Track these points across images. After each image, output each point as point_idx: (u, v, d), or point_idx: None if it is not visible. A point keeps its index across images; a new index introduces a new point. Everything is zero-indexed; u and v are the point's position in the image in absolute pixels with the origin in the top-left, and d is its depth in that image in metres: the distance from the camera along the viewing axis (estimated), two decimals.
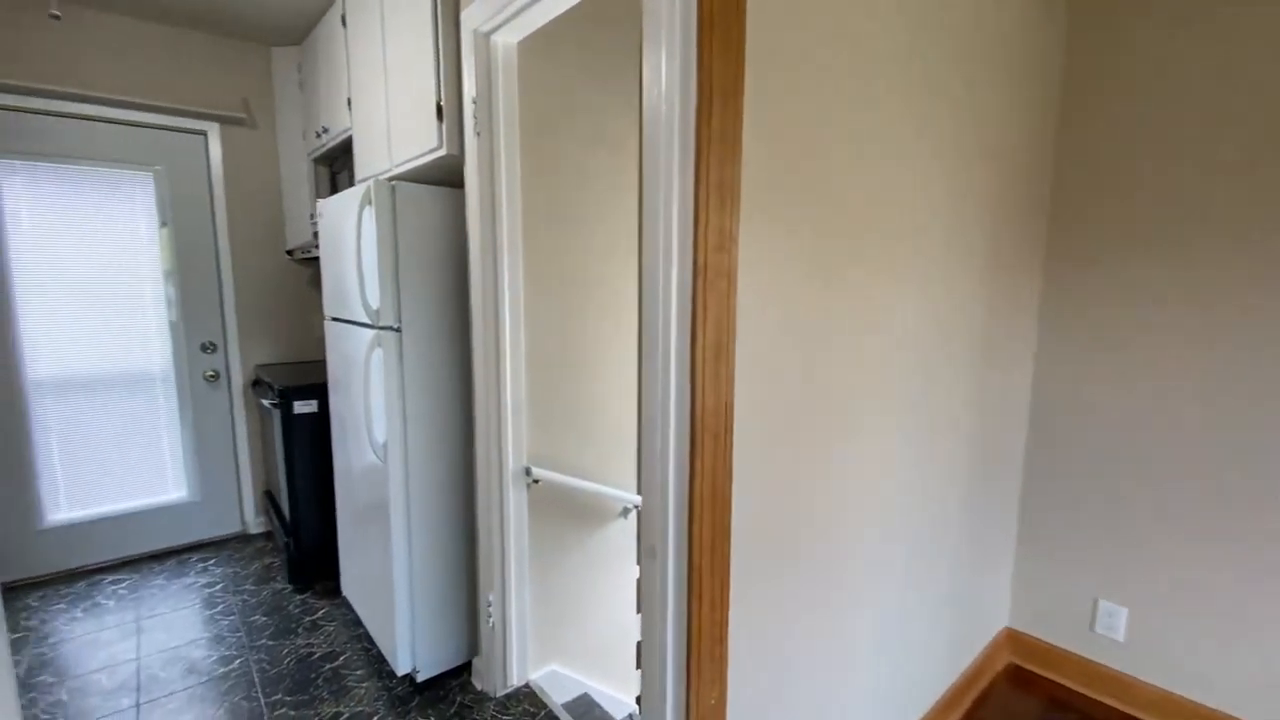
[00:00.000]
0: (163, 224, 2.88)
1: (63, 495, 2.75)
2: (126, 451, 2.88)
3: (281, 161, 3.14)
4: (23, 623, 2.35)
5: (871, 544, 1.40)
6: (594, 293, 2.00)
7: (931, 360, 1.50)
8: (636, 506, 2.23)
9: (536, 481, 1.94)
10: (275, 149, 3.13)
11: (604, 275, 2.02)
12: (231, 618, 2.41)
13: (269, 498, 3.18)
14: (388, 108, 2.09)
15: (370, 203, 1.76)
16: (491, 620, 1.94)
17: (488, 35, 1.67)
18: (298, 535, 2.65)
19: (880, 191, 1.23)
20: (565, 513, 2.05)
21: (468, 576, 2.08)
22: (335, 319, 2.23)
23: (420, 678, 2.00)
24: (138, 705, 1.90)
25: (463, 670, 2.09)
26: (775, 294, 1.04)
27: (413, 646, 1.99)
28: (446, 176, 2.03)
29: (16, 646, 2.19)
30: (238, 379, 3.13)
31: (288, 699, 1.95)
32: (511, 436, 1.85)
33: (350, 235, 1.90)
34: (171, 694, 1.96)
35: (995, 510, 1.97)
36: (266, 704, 1.92)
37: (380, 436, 1.89)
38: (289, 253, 3.17)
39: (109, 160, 2.73)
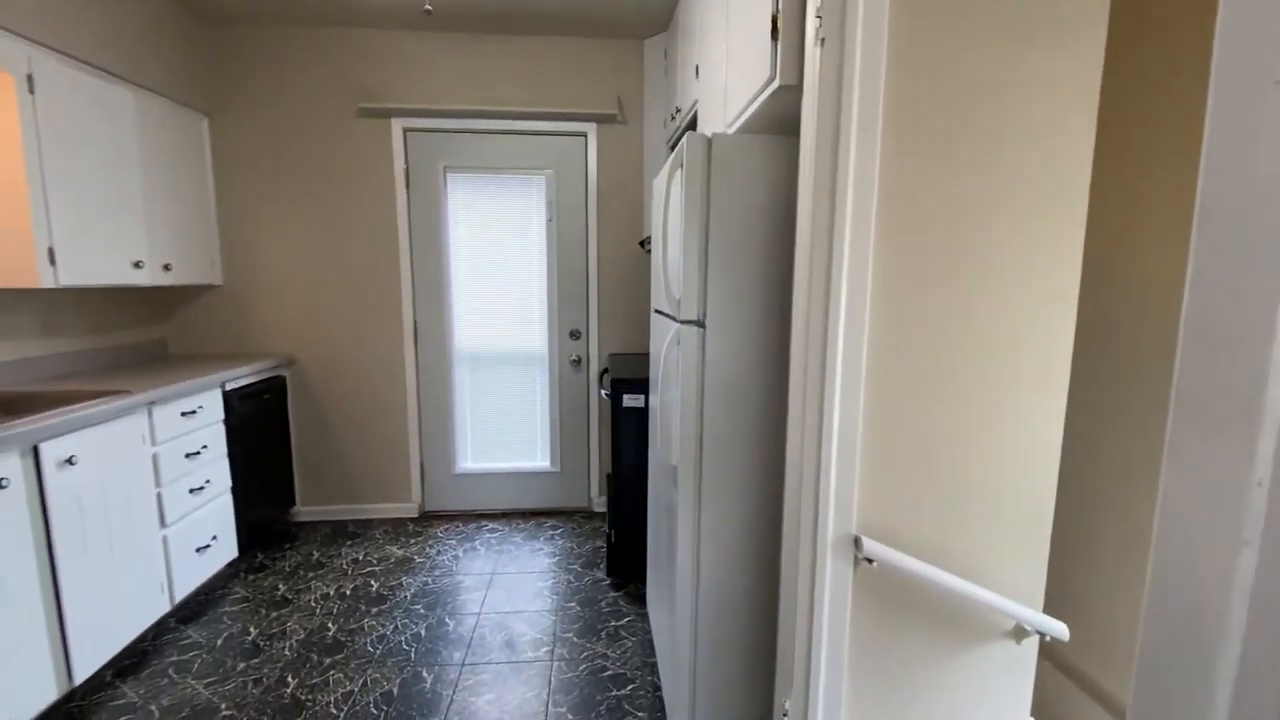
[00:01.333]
0: (549, 220, 3.21)
1: (469, 449, 3.35)
2: (510, 420, 3.34)
3: (645, 152, 3.16)
4: (427, 548, 2.90)
5: None
6: (996, 276, 1.22)
7: None
8: (1041, 632, 1.37)
9: (870, 561, 1.30)
10: (641, 141, 3.17)
11: (1023, 254, 1.22)
12: (554, 598, 2.47)
13: (609, 480, 3.29)
14: (726, 54, 1.71)
15: (681, 164, 1.41)
16: None
17: None
18: (617, 528, 2.59)
19: None
20: (915, 613, 1.35)
21: (763, 660, 1.58)
22: (656, 310, 2.00)
23: None
24: (462, 665, 2.04)
25: None
26: None
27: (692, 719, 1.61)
28: (781, 125, 1.54)
29: (414, 569, 2.69)
30: (595, 365, 3.32)
31: (570, 716, 1.80)
32: (835, 489, 1.26)
33: (660, 208, 1.60)
34: (488, 664, 2.04)
35: None
36: (552, 712, 1.82)
37: (675, 454, 1.55)
38: (641, 244, 3.19)
39: (516, 168, 3.15)
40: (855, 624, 1.33)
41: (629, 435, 2.52)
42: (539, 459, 3.39)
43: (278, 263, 3.07)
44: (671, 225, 1.49)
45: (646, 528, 2.42)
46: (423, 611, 2.35)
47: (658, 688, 1.93)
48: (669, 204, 1.49)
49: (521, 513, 3.36)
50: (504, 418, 3.34)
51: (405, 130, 3.07)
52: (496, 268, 3.21)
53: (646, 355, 3.17)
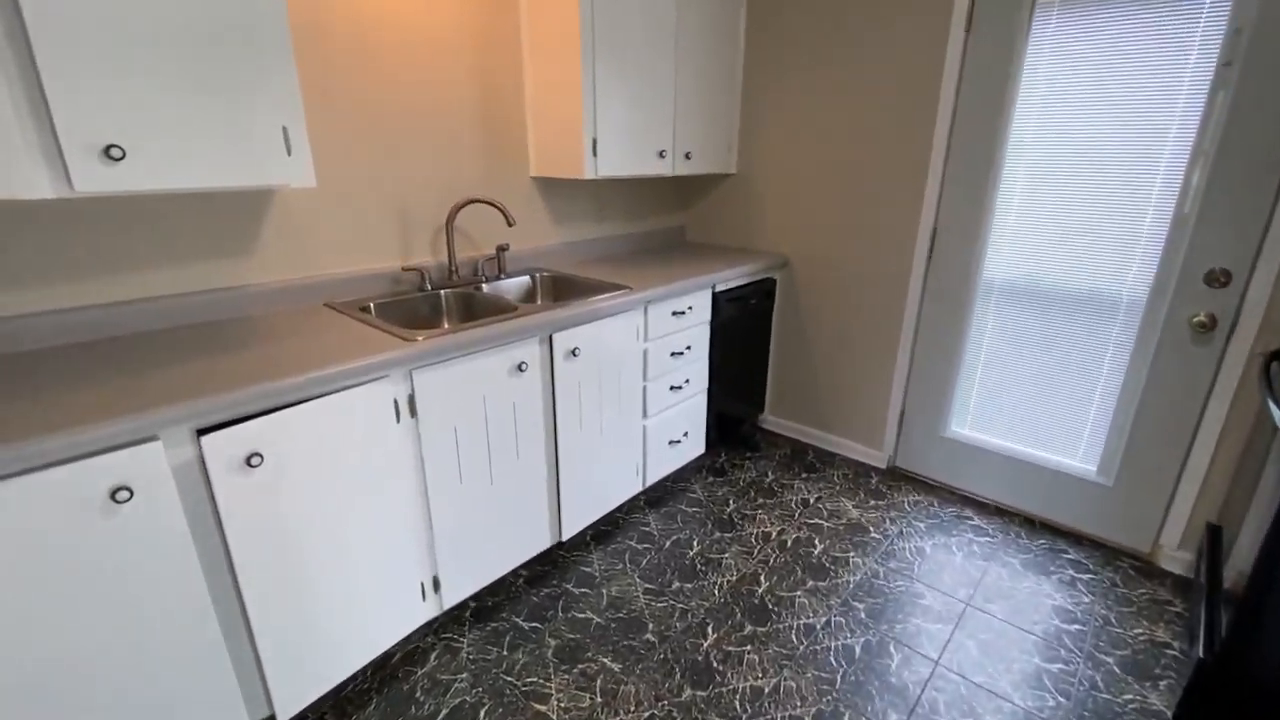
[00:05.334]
0: (1223, 65, 1.75)
1: (971, 408, 2.48)
2: (1045, 386, 2.27)
3: None
4: (887, 521, 2.33)
5: None
6: None
7: None
8: None
9: None
10: None
11: None
12: (1057, 700, 1.58)
13: (1210, 535, 1.93)
14: None
15: None
16: None
17: None
18: (1241, 637, 1.42)
19: None
20: None
21: None
22: None
23: None
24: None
25: None
26: None
27: None
28: None
29: (866, 546, 2.17)
30: (1245, 341, 1.85)
31: None
32: None
33: None
34: None
35: None
36: None
37: None
38: None
39: None
40: None
41: None
42: (1080, 456, 2.26)
43: (789, 147, 2.70)
44: None
45: None
46: (863, 617, 1.86)
47: None
48: None
49: (1027, 519, 2.38)
50: (1035, 382, 2.30)
51: None
52: (1085, 152, 2.02)
53: None
